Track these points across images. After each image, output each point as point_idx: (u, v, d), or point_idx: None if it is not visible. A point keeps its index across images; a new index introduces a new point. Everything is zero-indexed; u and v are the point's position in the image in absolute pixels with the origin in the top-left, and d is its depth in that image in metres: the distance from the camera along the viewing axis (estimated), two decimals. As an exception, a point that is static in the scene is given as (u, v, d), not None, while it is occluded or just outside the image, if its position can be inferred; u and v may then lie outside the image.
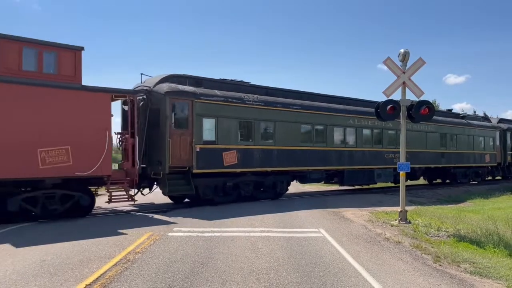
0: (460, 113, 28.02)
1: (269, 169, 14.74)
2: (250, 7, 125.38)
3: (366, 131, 18.31)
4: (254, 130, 14.37)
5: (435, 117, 17.74)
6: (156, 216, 11.30)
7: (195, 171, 12.83)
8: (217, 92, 13.82)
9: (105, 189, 11.67)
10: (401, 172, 10.82)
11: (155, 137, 12.60)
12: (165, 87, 12.80)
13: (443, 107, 47.18)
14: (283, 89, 16.70)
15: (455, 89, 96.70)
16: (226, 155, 13.61)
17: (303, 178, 16.42)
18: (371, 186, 20.39)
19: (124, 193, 11.81)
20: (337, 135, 17.17)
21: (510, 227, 9.41)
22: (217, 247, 7.60)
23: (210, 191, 13.55)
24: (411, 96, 10.89)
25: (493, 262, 6.85)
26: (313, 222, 10.52)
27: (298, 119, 15.63)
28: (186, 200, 14.42)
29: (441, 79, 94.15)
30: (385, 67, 10.77)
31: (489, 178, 27.50)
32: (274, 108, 14.97)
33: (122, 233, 8.86)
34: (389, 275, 5.91)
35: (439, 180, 24.39)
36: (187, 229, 9.34)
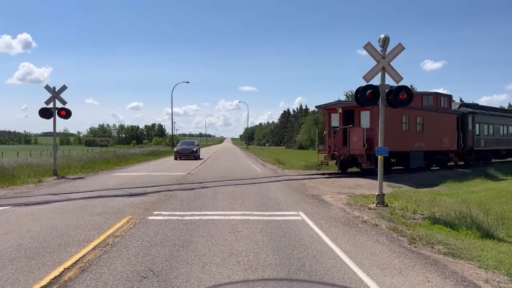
0: None
1: (490, 148, 28.98)
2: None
3: None
4: (488, 127, 28.27)
5: None
6: (135, 200, 11.25)
7: (475, 149, 26.55)
8: (477, 110, 27.92)
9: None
10: (379, 157, 10.97)
11: (463, 133, 25.41)
12: (466, 109, 26.72)
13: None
14: (496, 107, 41.20)
15: (432, 74, 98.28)
16: (482, 141, 27.33)
17: (499, 155, 30.71)
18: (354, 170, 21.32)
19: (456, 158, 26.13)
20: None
21: (482, 210, 9.70)
22: (197, 230, 7.63)
23: (476, 159, 27.65)
24: (390, 82, 11.04)
25: (465, 243, 7.07)
26: (293, 206, 10.64)
27: (499, 122, 29.90)
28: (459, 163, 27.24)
29: (418, 65, 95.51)
30: (365, 53, 10.82)
31: None
32: (493, 117, 29.37)
33: (101, 217, 8.79)
34: (366, 257, 6.05)
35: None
36: (167, 213, 9.33)
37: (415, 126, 22.21)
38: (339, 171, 21.30)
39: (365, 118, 19.80)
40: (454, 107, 27.18)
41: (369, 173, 18.95)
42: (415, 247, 6.74)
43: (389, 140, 18.75)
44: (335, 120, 21.42)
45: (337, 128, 20.76)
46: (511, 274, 5.39)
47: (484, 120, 27.78)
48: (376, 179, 16.17)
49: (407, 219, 9.26)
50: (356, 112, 20.15)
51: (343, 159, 20.65)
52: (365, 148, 18.79)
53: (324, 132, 22.41)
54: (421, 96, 25.21)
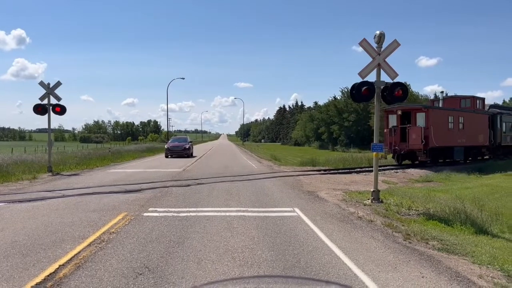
0: None
1: None
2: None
3: None
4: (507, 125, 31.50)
5: None
6: (131, 196, 11.22)
7: (503, 144, 30.18)
8: (504, 111, 31.56)
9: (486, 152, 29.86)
10: (374, 153, 11.00)
11: (493, 130, 29.32)
12: (496, 110, 30.67)
13: (415, 89, 52.14)
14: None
15: (427, 71, 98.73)
16: (508, 137, 30.94)
17: None
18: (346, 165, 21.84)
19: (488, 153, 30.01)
20: None
21: (476, 206, 9.75)
22: (193, 226, 7.63)
23: (504, 153, 30.83)
24: (385, 78, 11.02)
25: (459, 239, 7.11)
26: (288, 202, 10.66)
27: None
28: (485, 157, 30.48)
29: (413, 62, 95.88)
30: (360, 49, 10.82)
31: None
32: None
33: (96, 214, 8.77)
34: (361, 253, 6.08)
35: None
36: (162, 209, 9.32)
37: (458, 125, 26.05)
38: (396, 163, 25.00)
39: (420, 118, 23.44)
40: (485, 108, 31.16)
41: (423, 165, 23.39)
42: (410, 243, 6.77)
43: (439, 137, 24.03)
44: (393, 120, 24.93)
45: (395, 127, 24.19)
46: (504, 269, 5.43)
47: (510, 119, 31.72)
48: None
49: (402, 215, 9.31)
50: (413, 113, 23.85)
51: (402, 153, 24.14)
52: (423, 144, 22.49)
53: (385, 131, 25.34)
54: (460, 99, 29.65)
